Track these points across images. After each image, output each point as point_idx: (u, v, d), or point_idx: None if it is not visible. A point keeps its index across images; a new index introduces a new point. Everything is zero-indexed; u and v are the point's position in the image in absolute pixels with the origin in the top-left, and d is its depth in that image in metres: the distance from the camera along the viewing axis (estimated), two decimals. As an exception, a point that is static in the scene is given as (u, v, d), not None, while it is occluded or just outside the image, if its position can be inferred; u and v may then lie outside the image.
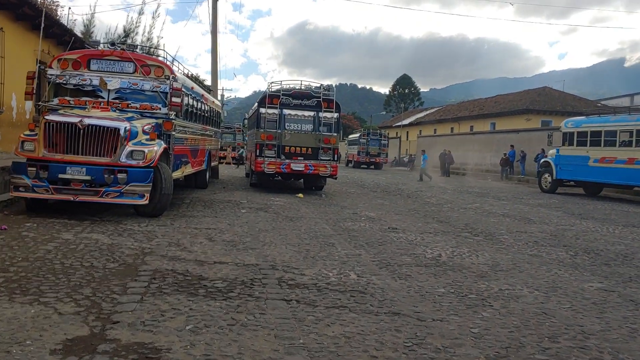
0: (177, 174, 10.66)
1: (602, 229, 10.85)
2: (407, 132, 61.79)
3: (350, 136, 47.47)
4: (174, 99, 9.67)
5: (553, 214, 13.24)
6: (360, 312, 4.55)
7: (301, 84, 15.82)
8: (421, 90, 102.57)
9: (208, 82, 30.43)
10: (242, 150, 31.63)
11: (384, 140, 42.19)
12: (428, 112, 66.90)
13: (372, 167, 40.93)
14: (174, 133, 9.94)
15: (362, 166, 41.08)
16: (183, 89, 10.21)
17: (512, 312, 4.81)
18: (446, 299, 5.12)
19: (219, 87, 33.90)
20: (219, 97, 37.60)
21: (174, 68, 10.71)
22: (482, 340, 4.06)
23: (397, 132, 64.37)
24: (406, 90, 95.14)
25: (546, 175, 21.40)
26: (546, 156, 22.49)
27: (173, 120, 9.86)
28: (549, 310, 4.91)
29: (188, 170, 12.13)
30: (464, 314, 4.68)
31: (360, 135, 42.46)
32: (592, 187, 20.22)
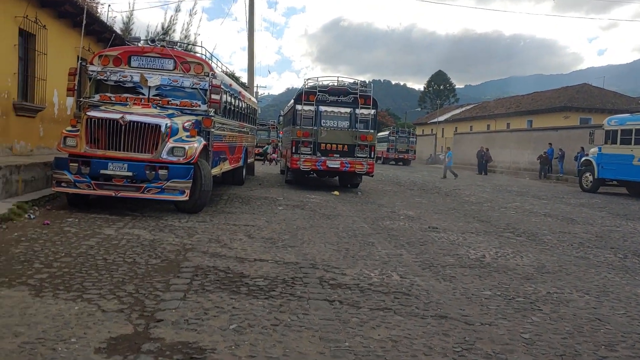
0: (215, 171, 10.69)
1: (650, 230, 10.46)
2: (443, 129, 61.06)
3: (380, 134, 47.45)
4: (214, 96, 9.67)
5: (596, 215, 12.84)
6: (405, 315, 4.43)
7: (337, 80, 15.69)
8: (456, 86, 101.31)
9: (243, 80, 30.60)
10: (267, 146, 31.81)
11: (412, 137, 43.95)
12: (464, 108, 65.99)
13: (401, 163, 42.52)
14: (213, 130, 9.95)
15: (390, 162, 42.33)
16: (222, 86, 10.21)
17: (563, 317, 4.62)
18: (493, 302, 4.96)
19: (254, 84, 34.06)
20: (254, 94, 37.79)
21: (212, 65, 10.72)
22: (535, 346, 3.90)
23: (432, 129, 63.68)
24: (441, 87, 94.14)
25: (587, 174, 20.81)
26: (587, 155, 21.87)
27: (212, 117, 9.87)
28: (603, 316, 4.71)
29: (226, 167, 12.16)
30: (513, 318, 4.52)
31: (389, 132, 43.78)
32: (636, 187, 19.55)
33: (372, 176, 16.21)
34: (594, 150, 20.74)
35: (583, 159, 21.91)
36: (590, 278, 6.20)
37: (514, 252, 7.51)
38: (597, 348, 3.94)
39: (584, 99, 42.02)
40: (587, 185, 20.70)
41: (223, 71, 13.12)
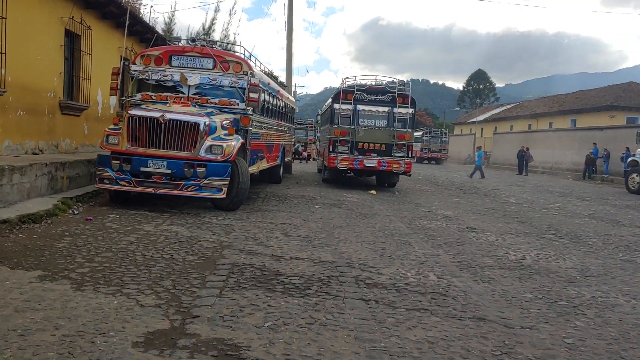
0: (252, 169, 10.76)
1: (701, 234, 10.03)
2: (482, 128, 60.07)
3: (414, 134, 47.83)
4: (252, 95, 9.74)
5: (644, 217, 12.40)
6: (442, 316, 4.35)
7: (375, 79, 15.60)
8: (496, 85, 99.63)
9: (282, 79, 30.79)
10: (298, 144, 31.95)
11: (445, 137, 46.64)
12: (504, 108, 64.79)
13: (434, 162, 44.95)
14: (250, 128, 10.03)
15: (424, 162, 44.21)
16: (260, 85, 10.27)
17: (608, 322, 4.46)
18: (534, 305, 4.83)
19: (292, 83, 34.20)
20: (293, 94, 37.95)
21: (251, 64, 10.79)
22: (578, 352, 3.77)
23: (470, 129, 62.73)
24: (480, 86, 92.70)
25: (634, 175, 20.14)
26: (633, 155, 21.17)
27: (250, 116, 9.94)
28: (651, 322, 4.52)
29: (263, 165, 12.23)
30: (555, 322, 4.39)
31: (423, 133, 45.93)
32: (686, 189, 18.83)
33: (410, 175, 16.06)
34: (640, 150, 20.08)
35: (630, 159, 21.22)
36: (638, 282, 5.98)
37: (556, 254, 7.31)
38: (644, 355, 3.79)
39: (630, 97, 40.70)
40: (634, 187, 20.03)
41: (262, 70, 13.20)
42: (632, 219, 11.89)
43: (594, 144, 29.94)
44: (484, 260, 6.60)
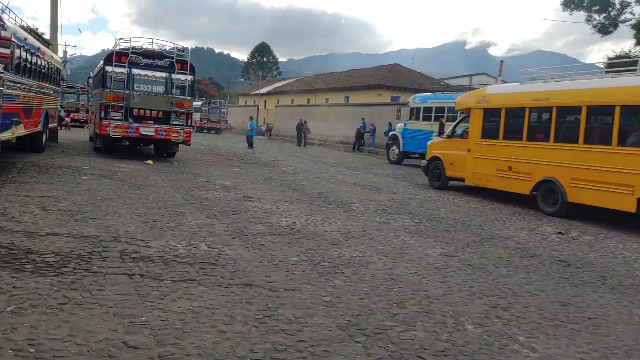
0: (6, 135, 9.51)
1: (442, 198, 11.59)
2: (266, 100, 61.65)
3: (194, 104, 47.42)
4: (2, 50, 8.56)
5: (400, 184, 13.91)
6: (209, 285, 4.32)
7: (152, 43, 14.84)
8: (279, 60, 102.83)
9: (48, 37, 27.63)
10: (60, 109, 29.27)
11: (224, 108, 47.62)
12: (286, 82, 67.20)
13: (213, 132, 45.17)
14: (2, 89, 8.79)
15: (204, 131, 44.37)
16: (14, 39, 9.05)
17: (362, 279, 4.88)
18: (299, 268, 5.07)
19: (61, 42, 31.02)
20: (61, 53, 34.51)
21: (4, 17, 9.44)
22: (334, 308, 4.04)
23: (255, 100, 63.94)
24: (264, 59, 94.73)
25: (394, 147, 22.46)
26: (394, 130, 23.58)
27: (1, 75, 8.70)
28: (397, 276, 5.06)
29: (20, 131, 10.86)
30: (316, 282, 4.65)
31: (202, 103, 46.39)
32: (435, 160, 21.59)
33: (189, 145, 15.76)
34: (400, 125, 22.43)
35: (391, 133, 23.60)
36: (390, 241, 6.65)
37: (323, 219, 7.79)
38: (390, 306, 4.21)
39: (394, 78, 45.20)
40: (393, 158, 22.35)
41: (19, 25, 11.66)
42: (390, 186, 13.25)
43: (362, 119, 32.68)
44: (257, 228, 6.74)
